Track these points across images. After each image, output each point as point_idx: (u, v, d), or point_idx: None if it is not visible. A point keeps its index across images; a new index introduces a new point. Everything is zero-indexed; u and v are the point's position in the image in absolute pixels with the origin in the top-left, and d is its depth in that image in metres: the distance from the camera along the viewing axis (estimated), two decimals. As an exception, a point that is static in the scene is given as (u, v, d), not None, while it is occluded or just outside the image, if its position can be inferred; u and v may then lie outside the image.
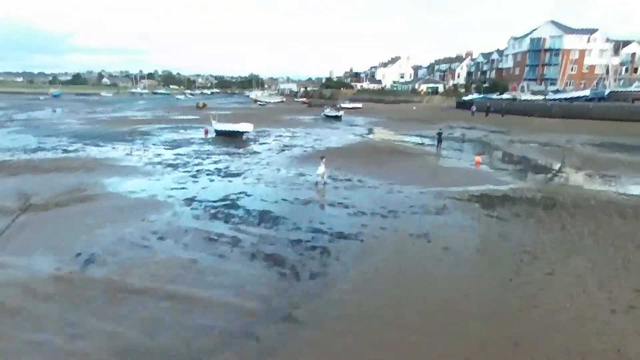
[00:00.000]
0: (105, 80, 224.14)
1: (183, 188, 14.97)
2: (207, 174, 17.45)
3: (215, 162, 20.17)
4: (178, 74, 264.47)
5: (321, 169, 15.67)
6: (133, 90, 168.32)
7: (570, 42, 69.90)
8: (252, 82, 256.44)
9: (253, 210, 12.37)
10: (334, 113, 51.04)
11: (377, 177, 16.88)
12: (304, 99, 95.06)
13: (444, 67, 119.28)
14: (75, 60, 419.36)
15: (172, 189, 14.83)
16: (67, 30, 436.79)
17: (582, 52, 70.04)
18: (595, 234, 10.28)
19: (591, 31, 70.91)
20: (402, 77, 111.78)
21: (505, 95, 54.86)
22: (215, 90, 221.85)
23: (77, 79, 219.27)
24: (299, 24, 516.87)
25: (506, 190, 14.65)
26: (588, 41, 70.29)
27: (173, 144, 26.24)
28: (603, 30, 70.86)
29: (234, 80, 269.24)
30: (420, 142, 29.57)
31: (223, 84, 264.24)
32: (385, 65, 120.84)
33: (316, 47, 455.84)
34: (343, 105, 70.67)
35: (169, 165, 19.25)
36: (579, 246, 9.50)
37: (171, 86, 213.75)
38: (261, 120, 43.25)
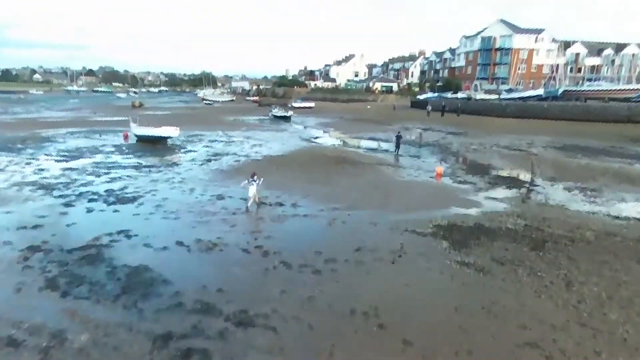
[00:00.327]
0: (37, 76, 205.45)
1: (38, 226, 10.44)
2: (90, 200, 12.92)
3: (111, 180, 15.57)
4: (126, 71, 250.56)
5: (252, 190, 11.78)
6: (69, 87, 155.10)
7: (519, 42, 70.34)
8: (203, 80, 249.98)
9: (122, 266, 8.21)
10: (282, 113, 47.04)
11: (318, 199, 13.16)
12: (255, 98, 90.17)
13: (397, 65, 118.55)
14: (11, 55, 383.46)
15: (19, 228, 10.27)
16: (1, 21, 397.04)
17: (531, 52, 70.71)
18: (622, 298, 7.09)
19: (538, 31, 71.82)
20: (356, 75, 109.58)
21: (460, 95, 53.46)
22: (163, 88, 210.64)
23: (7, 76, 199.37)
24: (256, 23, 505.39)
25: (479, 217, 11.45)
26: (536, 41, 71.10)
27: (73, 154, 21.10)
28: (549, 31, 72.01)
29: (186, 78, 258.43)
30: (374, 147, 26.29)
31: (174, 81, 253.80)
32: (339, 63, 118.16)
33: (274, 46, 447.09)
34: (294, 104, 66.94)
35: (44, 186, 14.42)
36: (610, 332, 6.20)
37: (114, 84, 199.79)
38: (200, 122, 38.63)
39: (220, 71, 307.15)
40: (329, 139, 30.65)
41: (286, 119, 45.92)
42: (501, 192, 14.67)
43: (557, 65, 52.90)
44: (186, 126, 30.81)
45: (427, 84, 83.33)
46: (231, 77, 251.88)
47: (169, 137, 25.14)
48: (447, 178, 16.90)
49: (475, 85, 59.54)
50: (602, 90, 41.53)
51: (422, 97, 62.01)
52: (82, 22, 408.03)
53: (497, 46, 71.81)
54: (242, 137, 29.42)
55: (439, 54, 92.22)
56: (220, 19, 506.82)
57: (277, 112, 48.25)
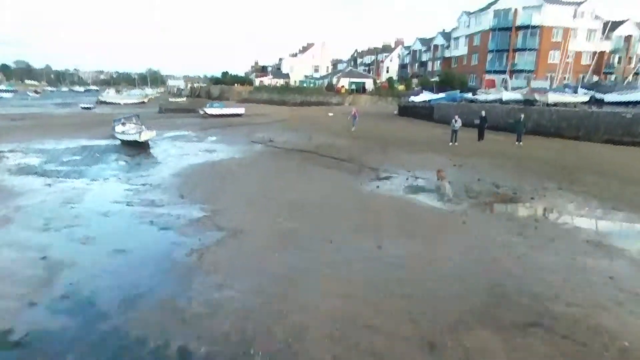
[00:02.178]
0: None
1: None
2: None
3: None
4: (77, 70, 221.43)
5: None
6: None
7: (552, 17, 47.57)
8: (146, 78, 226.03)
9: None
10: (132, 136, 21.02)
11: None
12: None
13: (369, 59, 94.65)
14: None
15: None
16: None
17: (567, 32, 47.99)
18: None
19: (577, 3, 49.32)
20: (316, 70, 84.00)
21: (490, 96, 28.81)
22: (93, 87, 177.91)
23: None
24: (222, 17, 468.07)
25: None
26: (574, 16, 48.56)
27: None
28: (592, 3, 49.46)
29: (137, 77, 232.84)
30: None
31: (115, 80, 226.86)
32: (295, 55, 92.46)
33: (237, 43, 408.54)
34: (208, 111, 40.99)
35: None
36: None
37: (27, 81, 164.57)
38: None
39: (180, 70, 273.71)
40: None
41: (139, 145, 20.14)
42: None
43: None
44: None
45: (415, 80, 59.46)
46: (192, 77, 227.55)
47: None
48: None
49: (504, 79, 35.74)
50: None
51: (417, 99, 37.44)
52: (25, 16, 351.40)
53: (518, 23, 48.57)
54: None
55: (426, 41, 68.56)
56: (183, 12, 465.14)
57: (125, 131, 22.11)
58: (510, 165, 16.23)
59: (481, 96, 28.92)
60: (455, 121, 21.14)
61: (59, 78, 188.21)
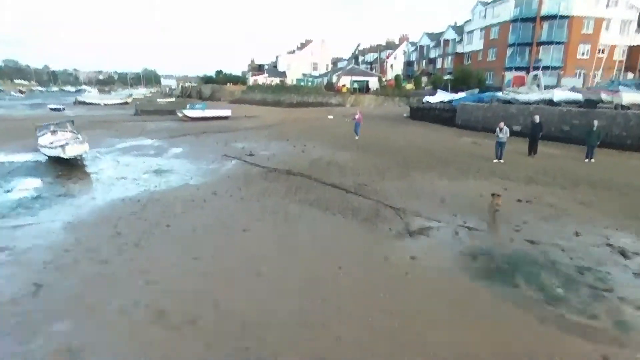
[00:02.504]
0: None
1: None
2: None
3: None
4: (76, 70, 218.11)
5: None
6: None
7: (582, 6, 41.84)
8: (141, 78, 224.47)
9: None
10: (55, 151, 15.17)
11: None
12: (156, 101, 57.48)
13: (371, 57, 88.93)
14: None
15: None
16: None
17: (599, 23, 42.36)
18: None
19: (609, -10, 43.68)
20: (315, 68, 78.19)
21: (533, 96, 23.09)
22: (85, 87, 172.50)
23: None
24: (222, 17, 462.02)
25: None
26: (607, 5, 42.83)
27: None
28: (626, -11, 43.93)
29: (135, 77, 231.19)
30: None
31: (108, 80, 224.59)
32: (292, 52, 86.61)
33: (236, 43, 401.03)
34: (188, 113, 35.36)
35: None
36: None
37: (16, 81, 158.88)
38: None
39: (180, 71, 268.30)
40: None
41: (67, 162, 14.54)
42: None
43: None
44: None
45: (425, 79, 53.80)
46: (191, 77, 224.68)
47: None
48: None
49: (536, 76, 30.00)
50: None
51: (433, 99, 31.75)
52: (25, 16, 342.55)
53: (544, 13, 42.90)
54: None
55: (434, 36, 62.85)
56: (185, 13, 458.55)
57: (54, 142, 16.36)
58: (607, 201, 10.52)
59: (520, 96, 23.19)
60: (501, 130, 15.45)
61: (50, 78, 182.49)
